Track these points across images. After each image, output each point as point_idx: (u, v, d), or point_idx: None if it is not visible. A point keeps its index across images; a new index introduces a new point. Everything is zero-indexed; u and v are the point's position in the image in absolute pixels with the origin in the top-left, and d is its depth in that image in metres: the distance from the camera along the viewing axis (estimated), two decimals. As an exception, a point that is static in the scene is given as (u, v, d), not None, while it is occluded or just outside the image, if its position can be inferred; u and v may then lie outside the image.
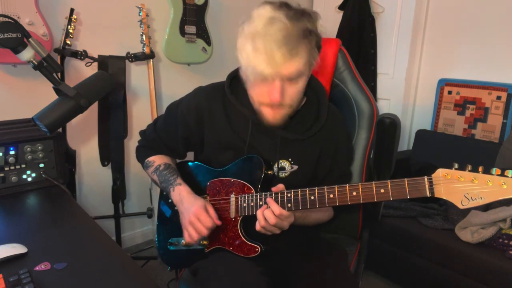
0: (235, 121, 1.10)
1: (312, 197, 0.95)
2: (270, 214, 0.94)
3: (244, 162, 1.08)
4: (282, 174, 1.09)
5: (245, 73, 0.97)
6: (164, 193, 1.22)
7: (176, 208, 1.15)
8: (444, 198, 0.82)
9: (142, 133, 1.26)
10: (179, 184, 1.10)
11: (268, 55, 0.88)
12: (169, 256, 1.18)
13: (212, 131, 1.11)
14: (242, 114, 1.08)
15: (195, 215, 1.01)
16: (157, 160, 1.18)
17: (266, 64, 0.89)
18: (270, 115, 1.01)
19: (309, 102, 1.11)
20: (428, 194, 0.83)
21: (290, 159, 1.09)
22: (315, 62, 0.98)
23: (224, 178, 1.09)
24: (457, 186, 0.81)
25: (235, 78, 1.12)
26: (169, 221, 1.19)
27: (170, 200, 1.19)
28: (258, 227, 0.97)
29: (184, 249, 1.13)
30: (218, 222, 1.03)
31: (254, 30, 0.90)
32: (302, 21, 0.90)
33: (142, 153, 1.23)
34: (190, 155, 1.25)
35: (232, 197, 1.06)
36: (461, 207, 0.81)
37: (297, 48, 0.89)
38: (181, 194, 1.07)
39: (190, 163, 1.21)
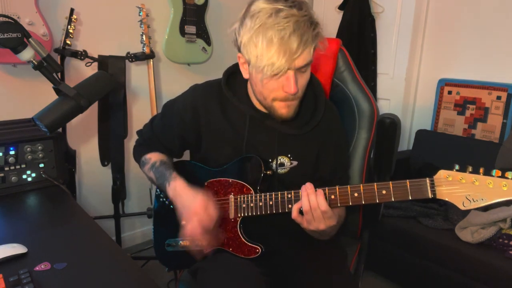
0: (232, 118, 1.09)
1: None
2: (323, 201, 0.91)
3: (243, 162, 1.07)
4: (281, 170, 1.09)
5: (256, 69, 0.94)
6: (159, 193, 1.22)
7: (172, 208, 1.15)
8: (445, 199, 0.83)
9: (139, 132, 1.26)
10: (174, 179, 1.06)
11: (283, 45, 0.87)
12: (166, 257, 1.18)
13: (209, 128, 1.11)
14: (239, 110, 1.08)
15: (195, 214, 0.98)
16: (153, 157, 1.17)
17: (282, 55, 0.87)
18: (284, 109, 1.00)
19: (306, 96, 1.10)
20: (430, 196, 0.84)
21: (289, 155, 1.09)
22: (323, 47, 0.96)
23: (222, 179, 1.09)
24: (458, 187, 0.81)
25: (231, 74, 1.12)
26: (166, 222, 1.18)
27: (165, 201, 1.18)
28: (296, 213, 0.94)
29: (182, 250, 1.13)
30: (216, 221, 1.00)
31: (261, 23, 0.88)
32: (303, 9, 0.90)
33: (139, 152, 1.22)
34: (186, 155, 1.25)
35: (231, 198, 1.06)
36: (462, 208, 0.81)
37: (307, 35, 0.88)
38: (177, 189, 1.04)
39: (187, 163, 1.20)
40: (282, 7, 0.88)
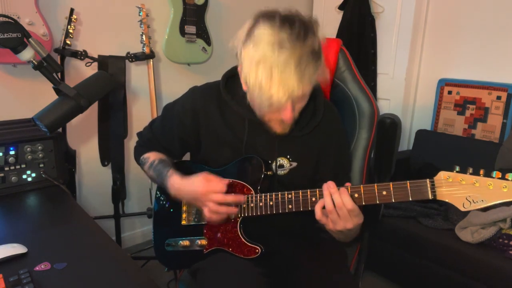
0: (231, 120, 1.10)
1: (314, 199, 0.95)
2: (348, 199, 0.89)
3: (243, 163, 1.07)
4: (281, 172, 1.09)
5: (253, 96, 0.93)
6: (159, 195, 1.22)
7: (171, 209, 1.15)
8: (446, 200, 0.83)
9: (139, 134, 1.25)
10: (170, 176, 1.07)
11: (283, 83, 0.86)
12: (166, 257, 1.18)
13: (208, 130, 1.11)
14: (238, 113, 1.08)
15: (203, 195, 0.98)
16: (152, 156, 1.17)
17: (281, 92, 0.87)
18: (280, 128, 1.02)
19: None
20: (430, 197, 0.84)
21: (288, 156, 1.09)
22: (323, 79, 0.96)
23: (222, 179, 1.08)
24: (458, 188, 0.81)
25: (230, 78, 1.11)
26: (165, 222, 1.18)
27: (165, 204, 1.19)
28: (320, 213, 0.92)
29: (182, 250, 1.13)
30: (225, 182, 0.99)
31: (262, 55, 0.86)
32: (308, 40, 0.87)
33: (139, 152, 1.23)
34: (186, 156, 1.25)
35: (232, 198, 1.06)
36: (462, 209, 0.82)
37: (309, 71, 0.87)
38: (175, 185, 1.05)
39: (187, 164, 1.20)
40: (286, 38, 0.85)
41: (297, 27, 0.87)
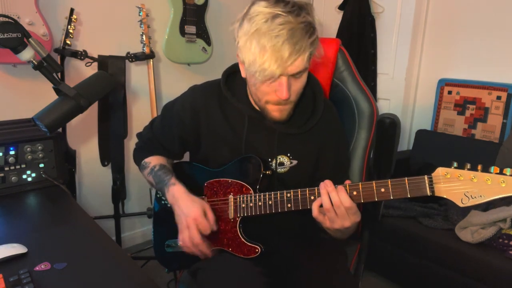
0: (232, 118, 1.10)
1: (312, 197, 0.95)
2: (346, 198, 0.89)
3: (242, 162, 1.07)
4: (281, 170, 1.09)
5: (249, 72, 0.95)
6: (160, 195, 1.22)
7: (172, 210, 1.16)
8: (444, 196, 0.83)
9: (139, 135, 1.25)
10: (173, 184, 1.07)
11: (275, 52, 0.87)
12: (166, 259, 1.18)
13: (208, 128, 1.11)
14: (239, 110, 1.08)
15: (194, 220, 0.99)
16: (152, 161, 1.17)
17: (274, 62, 0.88)
18: (277, 112, 1.01)
19: (305, 96, 1.10)
20: (428, 193, 0.84)
21: (288, 154, 1.09)
22: (318, 54, 0.96)
23: (221, 179, 1.08)
24: (457, 184, 0.81)
25: (231, 74, 1.12)
26: (165, 222, 1.18)
27: (164, 202, 1.18)
28: (317, 211, 0.93)
29: (182, 250, 1.12)
30: (215, 228, 1.02)
31: (256, 28, 0.88)
32: (302, 15, 0.89)
33: (139, 155, 1.22)
34: (186, 156, 1.25)
35: (231, 198, 1.06)
36: (461, 205, 0.81)
37: (302, 43, 0.88)
38: (175, 195, 1.05)
39: (186, 164, 1.20)
40: (280, 12, 0.87)
41: (291, 4, 0.90)
